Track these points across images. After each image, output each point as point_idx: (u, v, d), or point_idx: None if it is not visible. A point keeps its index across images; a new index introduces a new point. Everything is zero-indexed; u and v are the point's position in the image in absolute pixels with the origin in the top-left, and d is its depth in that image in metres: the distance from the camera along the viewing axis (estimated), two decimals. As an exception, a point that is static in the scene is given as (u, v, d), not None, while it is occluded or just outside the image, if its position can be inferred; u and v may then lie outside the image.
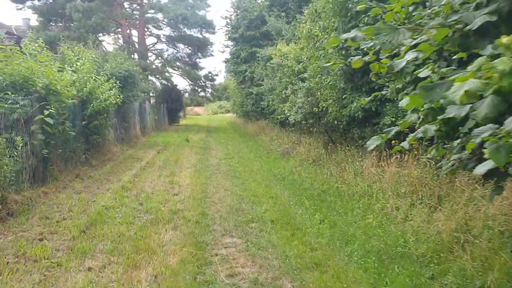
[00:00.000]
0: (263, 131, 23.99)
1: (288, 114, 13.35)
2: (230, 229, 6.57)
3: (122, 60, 17.54)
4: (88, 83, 12.05)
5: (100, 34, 37.08)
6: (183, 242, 5.79)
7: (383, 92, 4.74)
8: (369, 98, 4.87)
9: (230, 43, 25.61)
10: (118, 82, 16.21)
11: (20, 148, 8.17)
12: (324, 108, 10.87)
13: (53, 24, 34.18)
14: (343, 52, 9.36)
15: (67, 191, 8.71)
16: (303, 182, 10.19)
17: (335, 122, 11.06)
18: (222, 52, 26.37)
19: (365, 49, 4.21)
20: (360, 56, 4.17)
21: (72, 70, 12.26)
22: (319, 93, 10.61)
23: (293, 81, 14.00)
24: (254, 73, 20.67)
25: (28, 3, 31.95)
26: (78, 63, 12.73)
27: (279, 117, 14.00)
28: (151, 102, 35.05)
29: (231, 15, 24.24)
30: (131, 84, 17.13)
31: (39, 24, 33.07)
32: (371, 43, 3.56)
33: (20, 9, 32.47)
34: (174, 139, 21.68)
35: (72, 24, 30.12)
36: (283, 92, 14.58)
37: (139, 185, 9.34)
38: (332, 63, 6.37)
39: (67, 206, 7.47)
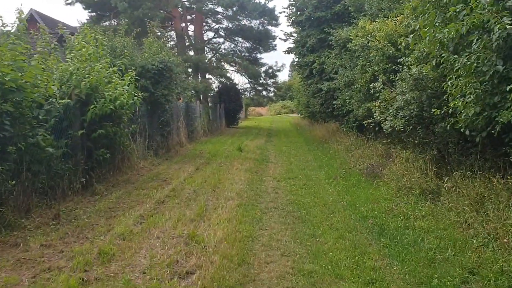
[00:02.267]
0: (333, 136, 19.55)
1: (379, 118, 8.96)
2: None
3: (157, 49, 13.93)
4: (88, 75, 8.40)
5: (158, 31, 34.39)
6: None
7: None
8: None
9: (293, 29, 21.35)
10: (149, 76, 12.68)
11: None
12: (451, 109, 6.40)
13: (106, 19, 31.87)
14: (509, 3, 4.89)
15: (2, 258, 4.99)
16: (418, 238, 5.81)
17: (467, 132, 6.55)
18: (285, 40, 21.89)
19: None
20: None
21: (69, 59, 8.73)
22: (449, 83, 6.13)
23: (388, 69, 9.63)
24: (324, 64, 16.37)
25: (77, -3, 29.67)
26: (84, 49, 9.16)
27: (365, 122, 9.58)
28: (208, 102, 31.71)
29: (295, -6, 19.97)
30: (167, 79, 13.47)
31: (90, 20, 30.86)
32: None
33: (70, 3, 30.29)
34: (226, 147, 17.85)
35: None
36: (370, 85, 10.20)
37: (132, 248, 5.39)
38: None
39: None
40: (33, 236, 5.73)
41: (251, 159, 13.98)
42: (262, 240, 5.91)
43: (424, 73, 7.27)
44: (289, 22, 19.80)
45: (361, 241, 5.90)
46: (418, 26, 6.85)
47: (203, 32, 35.46)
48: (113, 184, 9.27)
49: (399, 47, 8.76)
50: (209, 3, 31.58)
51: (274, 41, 35.85)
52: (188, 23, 35.83)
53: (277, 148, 18.15)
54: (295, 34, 21.00)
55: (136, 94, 9.74)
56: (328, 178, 10.55)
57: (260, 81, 34.14)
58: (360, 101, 12.49)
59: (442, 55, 6.39)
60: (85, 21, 32.12)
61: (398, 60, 9.20)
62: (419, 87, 7.46)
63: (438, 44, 6.53)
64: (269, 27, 34.00)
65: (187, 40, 31.47)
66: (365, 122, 9.60)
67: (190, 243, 5.56)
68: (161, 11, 29.72)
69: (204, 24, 36.33)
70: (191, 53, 32.03)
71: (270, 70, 32.37)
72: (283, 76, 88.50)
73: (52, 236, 5.78)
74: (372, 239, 5.98)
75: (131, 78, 9.62)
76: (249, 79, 33.57)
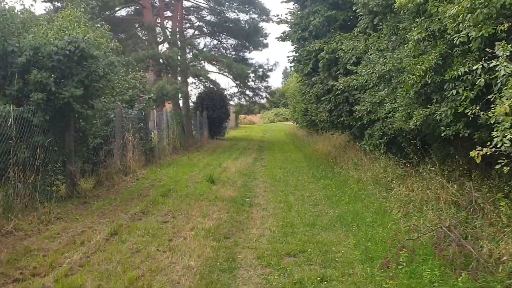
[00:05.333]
0: (344, 153, 14.34)
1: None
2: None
3: (72, 23, 8.53)
4: None
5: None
6: None
7: None
8: None
9: (287, 9, 15.73)
10: (51, 66, 7.40)
11: None
12: None
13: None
14: None
15: None
16: None
17: None
18: (278, 23, 16.61)
19: None
20: None
21: None
22: None
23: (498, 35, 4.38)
24: (336, 53, 11.13)
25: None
26: None
27: (476, 152, 4.22)
28: (189, 110, 26.36)
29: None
30: (84, 70, 8.09)
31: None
32: None
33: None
34: (194, 173, 12.47)
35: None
36: (466, 68, 4.91)
37: None
38: None
39: None
40: None
41: (224, 200, 8.59)
42: None
43: None
44: (285, -4, 14.49)
45: None
46: None
47: (184, 29, 30.18)
48: None
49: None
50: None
51: (265, 39, 30.65)
52: (167, 20, 30.57)
53: (268, 173, 12.81)
54: (292, 21, 15.58)
55: None
56: (369, 259, 5.20)
57: (250, 85, 28.76)
58: (409, 105, 7.21)
59: None
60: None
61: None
62: None
63: None
64: (259, 20, 28.80)
65: (160, 36, 25.98)
66: (479, 151, 4.11)
67: None
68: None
69: (185, 21, 31.08)
70: (163, 48, 26.70)
71: (261, 70, 26.89)
72: (276, 83, 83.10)
73: None
74: None
75: None
76: (236, 81, 28.11)
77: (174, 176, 11.75)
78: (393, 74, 7.60)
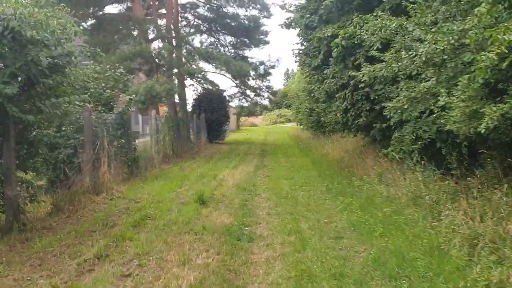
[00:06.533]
0: (361, 159, 12.15)
1: None
2: None
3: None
4: None
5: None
6: None
7: None
8: None
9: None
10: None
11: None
12: None
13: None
14: None
15: None
16: None
17: None
18: (282, 7, 14.36)
19: None
20: None
21: None
22: None
23: None
24: (354, 39, 8.94)
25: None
26: None
27: None
28: (187, 113, 24.23)
29: None
30: (15, 55, 5.92)
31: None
32: None
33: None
34: (183, 189, 10.31)
35: None
36: None
37: None
38: None
39: None
40: None
41: (215, 232, 6.40)
42: None
43: None
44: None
45: None
46: None
47: (180, 27, 28.04)
48: None
49: None
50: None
51: (266, 36, 28.52)
52: (163, 19, 28.46)
53: (273, 186, 10.63)
54: (298, 3, 13.25)
55: None
56: None
57: (250, 84, 26.60)
58: (473, 99, 5.04)
59: None
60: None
61: None
62: None
63: None
64: (259, 16, 26.69)
65: (153, 31, 23.80)
66: None
67: None
68: None
69: (181, 19, 28.94)
70: (155, 46, 24.52)
71: (262, 67, 24.68)
72: (278, 84, 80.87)
73: None
74: None
75: None
76: (235, 81, 25.93)
77: (158, 194, 9.56)
78: (447, 56, 5.41)
